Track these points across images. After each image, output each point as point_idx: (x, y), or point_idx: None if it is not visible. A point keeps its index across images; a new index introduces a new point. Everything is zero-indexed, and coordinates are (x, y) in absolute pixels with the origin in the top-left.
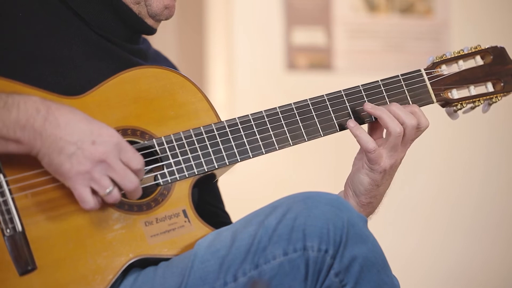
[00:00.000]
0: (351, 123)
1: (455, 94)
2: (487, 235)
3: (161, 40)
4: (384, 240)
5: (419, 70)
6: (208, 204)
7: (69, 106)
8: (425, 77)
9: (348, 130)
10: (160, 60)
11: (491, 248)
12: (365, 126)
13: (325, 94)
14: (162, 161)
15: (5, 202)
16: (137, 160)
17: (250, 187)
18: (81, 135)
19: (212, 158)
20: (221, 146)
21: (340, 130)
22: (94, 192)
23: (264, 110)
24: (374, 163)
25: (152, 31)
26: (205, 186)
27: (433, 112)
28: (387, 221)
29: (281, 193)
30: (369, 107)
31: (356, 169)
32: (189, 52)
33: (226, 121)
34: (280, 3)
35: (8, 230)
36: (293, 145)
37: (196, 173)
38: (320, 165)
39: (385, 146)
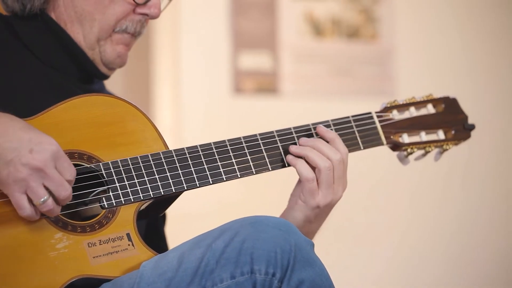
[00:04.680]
0: (290, 156)
1: (406, 138)
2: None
3: None
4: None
5: (370, 113)
6: (154, 244)
7: (10, 115)
8: (376, 119)
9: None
10: None
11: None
12: None
13: (275, 130)
14: (108, 185)
15: None
16: (70, 171)
17: (198, 210)
18: (19, 143)
19: (158, 185)
20: (168, 174)
21: (288, 166)
22: (30, 200)
23: (213, 142)
24: (310, 196)
25: (105, 77)
26: (151, 226)
27: None
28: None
29: (230, 216)
30: (293, 149)
31: (290, 206)
32: (135, 76)
33: (174, 150)
34: (227, 27)
35: None
36: (240, 177)
37: (142, 198)
38: (271, 190)
39: (320, 183)
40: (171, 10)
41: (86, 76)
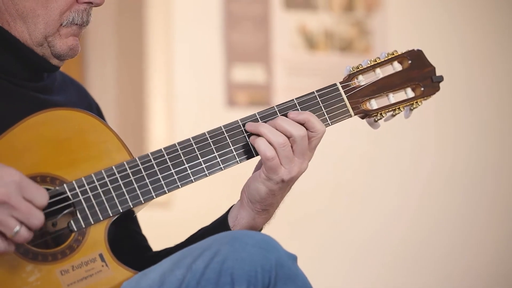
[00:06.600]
0: (250, 126)
1: (374, 104)
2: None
3: (100, 77)
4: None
5: (335, 84)
6: (123, 227)
7: None
8: (341, 91)
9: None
10: (68, 90)
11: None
12: None
13: (239, 120)
14: (75, 207)
15: None
16: (40, 196)
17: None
18: None
19: (126, 198)
20: (135, 185)
21: (256, 155)
22: (1, 234)
23: (178, 143)
24: (272, 172)
25: (55, 69)
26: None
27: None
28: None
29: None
30: (250, 126)
31: (254, 177)
32: (129, 88)
33: (138, 157)
34: (220, 40)
35: None
36: (209, 175)
37: (111, 214)
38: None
39: (280, 159)
40: (164, 23)
41: (34, 73)
